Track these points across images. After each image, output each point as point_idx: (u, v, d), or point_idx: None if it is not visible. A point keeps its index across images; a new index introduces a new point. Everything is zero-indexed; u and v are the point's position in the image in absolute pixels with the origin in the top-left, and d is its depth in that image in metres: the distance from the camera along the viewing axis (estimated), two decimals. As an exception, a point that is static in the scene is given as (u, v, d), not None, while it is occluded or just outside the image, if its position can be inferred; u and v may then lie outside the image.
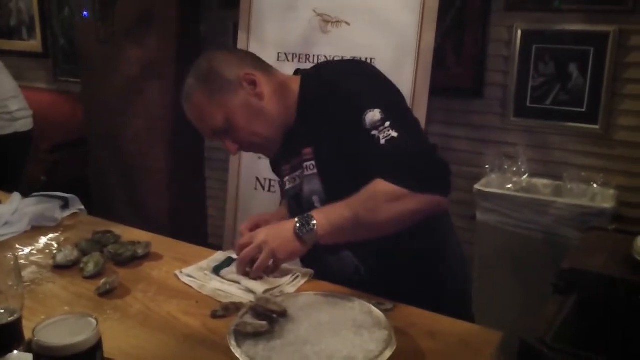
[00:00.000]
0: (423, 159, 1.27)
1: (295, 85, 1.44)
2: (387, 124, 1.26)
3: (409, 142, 1.27)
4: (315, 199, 1.40)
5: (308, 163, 1.39)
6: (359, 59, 2.38)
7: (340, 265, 1.41)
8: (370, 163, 1.27)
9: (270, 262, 1.30)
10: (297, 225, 1.28)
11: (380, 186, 1.25)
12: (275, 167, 1.57)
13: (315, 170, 1.38)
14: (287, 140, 1.43)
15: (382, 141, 1.25)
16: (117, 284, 1.30)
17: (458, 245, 1.60)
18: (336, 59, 2.45)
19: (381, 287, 1.28)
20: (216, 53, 1.47)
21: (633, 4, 2.31)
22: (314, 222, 1.27)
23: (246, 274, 1.32)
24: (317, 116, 1.37)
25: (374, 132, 1.26)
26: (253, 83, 1.39)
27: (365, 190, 1.27)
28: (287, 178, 1.47)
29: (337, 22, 2.49)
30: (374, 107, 1.27)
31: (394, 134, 1.25)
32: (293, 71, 1.53)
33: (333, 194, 1.36)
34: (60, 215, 1.72)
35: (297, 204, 1.46)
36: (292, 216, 1.48)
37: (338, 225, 1.27)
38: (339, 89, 1.33)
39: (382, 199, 1.24)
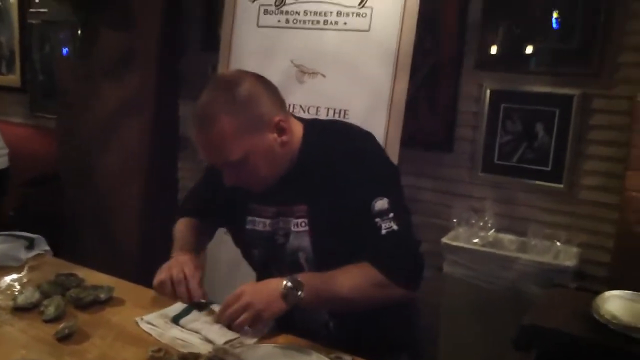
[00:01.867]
0: (412, 256, 1.36)
1: (299, 131, 1.42)
2: (391, 215, 1.32)
3: (406, 238, 1.35)
4: (301, 254, 1.42)
5: (300, 220, 1.41)
6: (335, 110, 2.47)
7: (310, 319, 1.43)
8: (365, 247, 1.34)
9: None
10: (285, 288, 1.29)
11: (369, 271, 1.32)
12: (238, 194, 1.47)
13: (306, 228, 1.40)
14: (280, 184, 1.41)
15: (383, 231, 1.32)
16: (76, 329, 1.29)
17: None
18: (311, 109, 2.52)
19: (344, 340, 1.30)
20: (252, 80, 1.36)
21: (597, 69, 2.41)
22: (302, 291, 1.29)
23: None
24: (318, 176, 1.38)
25: (377, 220, 1.32)
26: (283, 130, 1.35)
27: (354, 270, 1.33)
28: (268, 221, 1.46)
29: (314, 73, 2.55)
30: (384, 196, 1.33)
31: (395, 227, 1.32)
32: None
33: (321, 254, 1.40)
34: (25, 255, 1.71)
35: (273, 250, 1.46)
36: (259, 261, 1.51)
37: (323, 297, 1.32)
38: (353, 168, 1.35)
39: (369, 283, 1.32)
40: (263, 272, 1.55)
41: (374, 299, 1.34)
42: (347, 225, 1.34)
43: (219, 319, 1.33)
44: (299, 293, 1.29)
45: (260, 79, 1.39)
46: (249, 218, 1.49)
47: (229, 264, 2.45)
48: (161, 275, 1.45)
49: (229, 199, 1.51)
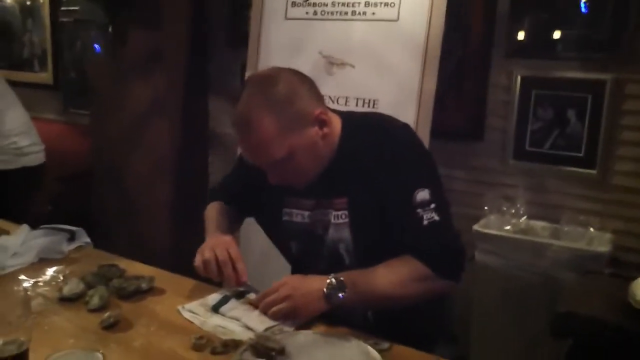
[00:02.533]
0: (454, 247, 1.36)
1: (337, 124, 1.43)
2: (432, 205, 1.33)
3: (447, 228, 1.36)
4: (341, 246, 1.43)
5: (340, 212, 1.42)
6: (365, 100, 2.48)
7: (349, 310, 1.43)
8: (408, 238, 1.34)
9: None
10: (328, 288, 1.30)
11: (412, 265, 1.32)
12: (274, 187, 1.44)
13: (346, 220, 1.41)
14: (318, 178, 1.42)
15: (425, 222, 1.32)
16: (120, 318, 1.33)
17: None
18: (340, 99, 2.53)
19: (382, 329, 1.32)
20: (289, 77, 1.35)
21: (630, 54, 2.38)
22: (344, 292, 1.30)
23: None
24: (358, 169, 1.38)
25: (419, 211, 1.32)
26: (324, 123, 1.35)
27: (396, 264, 1.33)
28: (306, 213, 1.48)
29: (342, 64, 2.56)
30: (425, 187, 1.33)
31: (437, 218, 1.32)
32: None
33: (362, 246, 1.42)
34: (67, 247, 1.76)
35: (312, 241, 1.47)
36: (298, 253, 1.52)
37: (365, 296, 1.33)
38: (394, 160, 1.35)
39: (412, 277, 1.32)
40: (300, 264, 1.57)
41: (416, 294, 1.34)
42: (388, 217, 1.35)
43: (257, 306, 1.35)
44: (341, 294, 1.29)
45: (296, 74, 1.39)
46: (286, 210, 1.50)
47: (262, 253, 2.48)
48: (205, 254, 1.43)
49: (263, 192, 1.52)
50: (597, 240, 2.39)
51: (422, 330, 1.46)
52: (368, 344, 1.17)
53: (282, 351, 1.11)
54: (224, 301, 1.41)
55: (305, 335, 1.20)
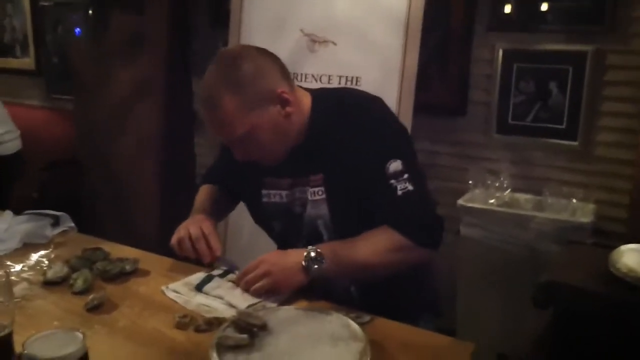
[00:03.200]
0: (430, 215, 1.38)
1: (307, 102, 1.44)
2: (406, 175, 1.34)
3: (422, 197, 1.36)
4: (320, 222, 1.45)
5: (316, 189, 1.43)
6: (347, 78, 2.48)
7: (331, 284, 1.45)
8: (383, 209, 1.36)
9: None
10: (306, 260, 1.32)
11: (389, 235, 1.34)
12: (251, 168, 1.48)
13: (323, 196, 1.42)
14: (292, 156, 1.43)
15: (399, 192, 1.33)
16: (104, 299, 1.35)
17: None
18: (323, 77, 2.53)
19: (366, 303, 1.34)
20: (251, 56, 1.36)
21: (610, 24, 2.38)
22: (323, 262, 1.32)
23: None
24: (332, 145, 1.39)
25: (392, 181, 1.34)
26: (286, 102, 1.35)
27: (373, 235, 1.35)
28: (284, 192, 1.49)
29: (324, 42, 2.55)
30: (397, 158, 1.35)
31: (410, 188, 1.34)
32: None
33: (339, 221, 1.43)
34: (51, 232, 1.76)
35: (292, 220, 1.49)
36: (280, 233, 1.54)
37: (344, 266, 1.34)
38: (365, 133, 1.36)
39: (389, 247, 1.34)
40: (283, 243, 1.58)
41: (395, 263, 1.36)
42: (363, 190, 1.36)
43: (238, 284, 1.37)
44: (320, 265, 1.31)
45: (261, 52, 1.39)
46: (264, 192, 1.52)
47: (251, 234, 2.50)
48: (179, 233, 1.49)
49: (243, 174, 1.54)
50: (580, 211, 2.42)
51: (405, 304, 1.48)
52: (349, 317, 1.19)
53: (263, 327, 1.13)
54: (207, 280, 1.43)
55: (287, 311, 1.22)
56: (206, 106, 1.35)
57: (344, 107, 1.42)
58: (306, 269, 1.32)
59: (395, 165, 1.34)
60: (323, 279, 1.35)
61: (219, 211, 1.69)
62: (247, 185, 1.55)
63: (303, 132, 1.42)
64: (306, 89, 1.49)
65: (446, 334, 1.24)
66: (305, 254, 1.32)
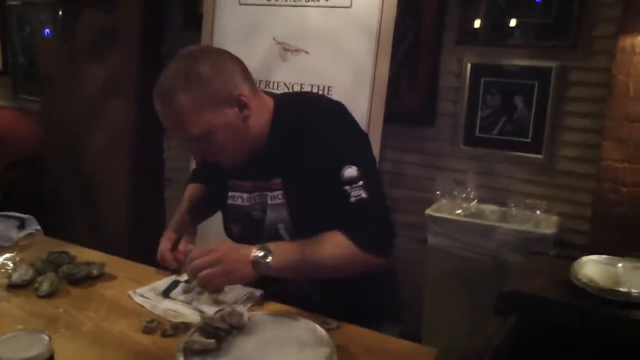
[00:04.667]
0: (381, 224, 1.38)
1: (269, 106, 1.44)
2: (360, 183, 1.33)
3: (375, 206, 1.36)
4: (280, 226, 1.45)
5: (275, 193, 1.43)
6: (319, 86, 2.50)
7: (292, 290, 1.45)
8: (336, 215, 1.35)
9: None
10: (255, 255, 1.31)
11: (338, 239, 1.34)
12: (220, 169, 1.49)
13: (283, 200, 1.42)
14: (254, 160, 1.43)
15: (352, 199, 1.33)
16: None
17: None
18: (295, 86, 2.55)
19: (328, 310, 1.35)
20: (210, 57, 1.35)
21: (574, 41, 2.46)
22: (270, 257, 1.31)
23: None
24: (290, 150, 1.39)
25: (347, 187, 1.33)
26: (243, 105, 1.35)
27: (324, 237, 1.35)
28: (245, 195, 1.49)
29: (297, 50, 2.57)
30: (352, 164, 1.34)
31: (364, 195, 1.33)
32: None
33: (300, 224, 1.42)
34: (17, 235, 1.74)
35: (252, 225, 1.49)
36: (239, 236, 1.54)
37: (292, 264, 1.34)
38: (321, 137, 1.36)
39: (337, 251, 1.34)
40: None
41: (346, 266, 1.36)
42: (319, 194, 1.36)
43: (189, 272, 1.32)
44: (268, 260, 1.31)
45: (221, 54, 1.39)
46: (230, 193, 1.52)
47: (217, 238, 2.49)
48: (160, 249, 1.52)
49: (217, 174, 1.54)
50: (544, 222, 2.48)
51: (368, 310, 1.49)
52: (316, 323, 1.20)
53: (230, 331, 1.13)
54: (173, 286, 1.42)
55: (255, 316, 1.22)
56: (161, 101, 1.34)
57: (302, 110, 1.43)
58: (255, 263, 1.31)
59: (350, 172, 1.33)
60: (275, 278, 1.36)
61: (200, 211, 1.67)
62: (218, 186, 1.56)
63: (265, 136, 1.42)
64: (269, 93, 1.49)
65: (412, 340, 1.26)
66: (254, 248, 1.32)
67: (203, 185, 1.70)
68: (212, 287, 1.35)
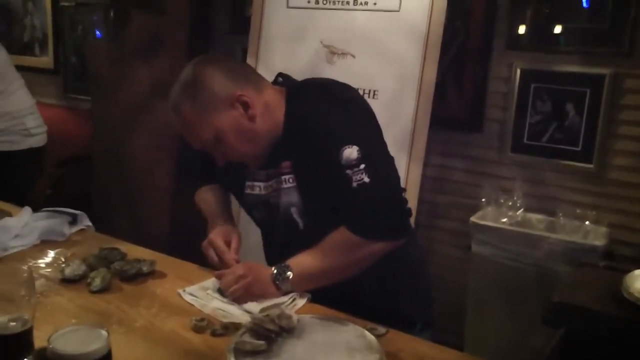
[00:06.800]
0: (388, 208, 1.34)
1: (282, 97, 1.45)
2: (362, 166, 1.30)
3: (380, 190, 1.33)
4: (293, 210, 1.45)
5: (287, 176, 1.43)
6: (365, 90, 2.48)
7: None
8: (339, 201, 1.35)
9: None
10: (274, 274, 1.37)
11: (344, 236, 1.34)
12: (235, 167, 1.53)
13: (294, 184, 1.43)
14: (272, 151, 1.45)
15: (354, 184, 1.31)
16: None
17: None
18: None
19: (359, 309, 1.33)
20: (209, 63, 1.42)
21: (629, 48, 2.39)
22: (289, 272, 1.36)
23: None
24: (298, 133, 1.40)
25: (348, 172, 1.31)
26: (246, 105, 1.38)
27: (332, 239, 1.36)
28: (262, 184, 1.51)
29: (343, 53, 2.57)
30: (352, 144, 1.31)
31: (366, 180, 1.30)
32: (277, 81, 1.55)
33: (311, 207, 1.43)
34: (69, 230, 1.78)
35: (268, 212, 1.51)
36: (261, 223, 1.58)
37: (308, 275, 1.38)
38: (321, 117, 1.35)
39: (347, 248, 1.35)
40: (265, 233, 1.63)
41: (355, 263, 1.36)
42: (323, 176, 1.36)
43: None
44: (287, 274, 1.36)
45: (219, 60, 1.46)
46: (247, 183, 1.54)
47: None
48: (206, 249, 1.53)
49: (229, 167, 1.54)
50: (593, 233, 2.42)
51: (399, 312, 1.48)
52: (365, 328, 1.19)
53: (280, 333, 1.14)
54: None
55: (303, 319, 1.23)
56: (173, 114, 1.42)
57: (310, 94, 1.43)
58: (275, 279, 1.37)
59: (349, 152, 1.30)
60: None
61: (229, 210, 1.71)
62: (233, 177, 1.58)
63: (280, 126, 1.43)
64: (282, 84, 1.51)
65: (452, 347, 1.24)
66: (273, 269, 1.38)
67: (216, 185, 1.72)
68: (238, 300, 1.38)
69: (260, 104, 1.41)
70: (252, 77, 1.45)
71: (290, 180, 1.43)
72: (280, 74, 1.56)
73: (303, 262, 1.38)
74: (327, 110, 1.36)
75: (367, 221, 1.32)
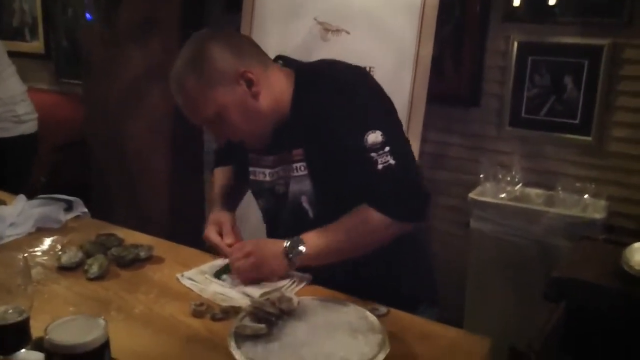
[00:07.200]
0: (412, 191, 1.33)
1: (290, 80, 1.42)
2: (387, 149, 1.29)
3: (404, 171, 1.32)
4: (303, 198, 1.43)
5: (299, 164, 1.41)
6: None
7: (320, 270, 1.44)
8: (363, 184, 1.32)
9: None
10: (287, 247, 1.34)
11: (368, 214, 1.31)
12: (240, 151, 1.53)
13: (305, 172, 1.41)
14: (277, 135, 1.43)
15: (380, 166, 1.29)
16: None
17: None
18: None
19: (364, 291, 1.32)
20: (214, 38, 1.38)
21: (628, 17, 2.36)
22: (303, 246, 1.33)
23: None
24: (312, 119, 1.37)
25: (373, 154, 1.29)
26: (250, 81, 1.35)
27: (353, 218, 1.33)
28: (267, 171, 1.49)
29: (338, 30, 2.53)
30: (376, 129, 1.30)
31: (392, 162, 1.29)
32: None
33: (323, 196, 1.41)
34: (65, 217, 1.76)
35: (276, 200, 1.49)
36: (266, 211, 1.56)
37: (324, 251, 1.34)
38: (343, 101, 1.33)
39: (369, 228, 1.32)
40: (269, 221, 1.60)
41: (377, 242, 1.34)
42: (343, 163, 1.34)
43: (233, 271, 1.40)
44: (300, 248, 1.33)
45: (225, 35, 1.42)
46: (251, 169, 1.52)
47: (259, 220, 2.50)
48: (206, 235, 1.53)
49: (237, 151, 1.54)
50: (592, 207, 2.41)
51: (403, 293, 1.47)
52: (366, 309, 1.19)
53: (281, 316, 1.13)
54: (226, 269, 1.42)
55: (303, 301, 1.22)
56: (174, 88, 1.37)
57: (325, 79, 1.40)
58: (287, 252, 1.34)
59: (374, 137, 1.30)
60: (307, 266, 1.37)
61: (235, 195, 1.69)
62: (239, 162, 1.57)
63: (287, 109, 1.41)
64: (290, 66, 1.48)
65: (452, 325, 1.23)
66: (285, 241, 1.35)
67: (229, 166, 1.70)
68: (246, 280, 1.36)
69: (265, 82, 1.38)
70: (257, 55, 1.41)
71: (302, 168, 1.41)
72: (279, 56, 1.52)
73: (319, 238, 1.35)
74: (348, 94, 1.34)
75: (395, 201, 1.31)
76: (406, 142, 1.42)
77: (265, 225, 1.64)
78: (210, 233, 1.51)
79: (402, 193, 1.31)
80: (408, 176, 1.33)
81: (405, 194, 1.32)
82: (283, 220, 1.50)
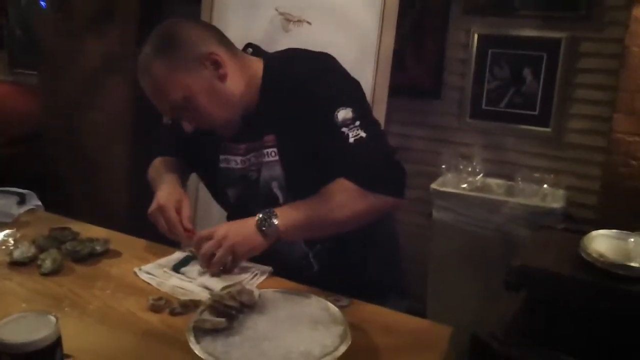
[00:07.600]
0: (386, 162, 1.33)
1: (258, 67, 1.43)
2: (357, 123, 1.30)
3: (376, 143, 1.32)
4: (274, 184, 1.43)
5: (269, 150, 1.41)
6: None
7: (292, 258, 1.45)
8: (336, 159, 1.32)
9: (229, 258, 1.32)
10: (259, 220, 1.30)
11: (343, 185, 1.30)
12: (209, 140, 1.49)
13: (276, 158, 1.41)
14: (247, 123, 1.42)
15: (351, 139, 1.29)
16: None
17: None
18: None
19: (331, 281, 1.32)
20: (180, 23, 1.39)
21: (586, 11, 2.40)
22: (276, 217, 1.29)
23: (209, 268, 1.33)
24: (282, 104, 1.37)
25: (344, 129, 1.30)
26: (217, 64, 1.35)
27: (328, 189, 1.31)
28: (239, 158, 1.47)
29: (299, 21, 2.51)
30: (347, 106, 1.31)
31: (363, 134, 1.29)
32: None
33: (294, 181, 1.41)
34: (17, 211, 1.70)
35: (248, 186, 1.47)
36: (236, 200, 1.52)
37: (299, 222, 1.31)
38: (311, 83, 1.34)
39: (344, 198, 1.30)
40: (237, 211, 1.54)
41: (354, 215, 1.32)
42: (315, 142, 1.33)
43: (201, 260, 1.33)
44: (274, 220, 1.29)
45: (192, 21, 1.43)
46: (222, 157, 1.50)
47: (204, 205, 2.47)
48: (153, 213, 1.41)
49: (201, 140, 1.51)
50: (551, 196, 2.45)
51: (371, 284, 1.47)
52: (328, 300, 1.17)
53: (241, 309, 1.10)
54: (185, 262, 1.40)
55: (265, 293, 1.20)
56: (141, 74, 1.37)
57: (293, 63, 1.41)
58: (260, 226, 1.29)
59: (344, 112, 1.30)
60: (274, 249, 1.33)
61: (181, 177, 1.62)
62: (204, 151, 1.53)
63: (256, 96, 1.41)
64: (258, 56, 1.48)
65: (415, 315, 1.24)
66: (257, 215, 1.31)
67: (173, 158, 1.66)
68: (224, 266, 1.33)
69: (232, 66, 1.37)
70: (225, 40, 1.42)
71: (273, 154, 1.41)
72: (249, 44, 1.52)
73: (293, 210, 1.32)
74: (316, 75, 1.35)
75: (367, 171, 1.30)
76: (375, 121, 1.41)
77: (227, 213, 1.62)
78: (170, 209, 1.39)
79: (375, 163, 1.31)
80: (380, 147, 1.34)
81: (378, 164, 1.32)
82: (253, 208, 1.45)
